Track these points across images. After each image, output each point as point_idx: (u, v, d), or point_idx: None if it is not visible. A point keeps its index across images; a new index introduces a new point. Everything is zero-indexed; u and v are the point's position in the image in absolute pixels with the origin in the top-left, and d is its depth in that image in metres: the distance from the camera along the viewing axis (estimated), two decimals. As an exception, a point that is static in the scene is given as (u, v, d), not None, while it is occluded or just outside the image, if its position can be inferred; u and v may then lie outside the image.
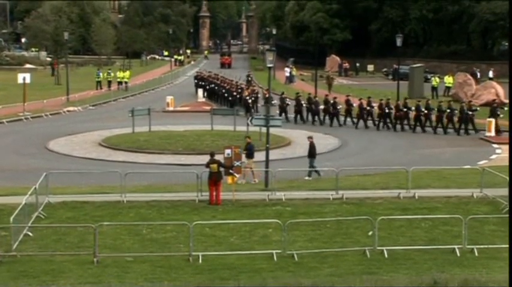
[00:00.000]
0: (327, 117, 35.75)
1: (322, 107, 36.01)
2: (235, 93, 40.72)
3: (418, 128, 33.64)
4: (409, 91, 45.52)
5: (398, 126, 34.00)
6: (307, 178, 22.23)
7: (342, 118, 35.60)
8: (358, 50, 72.73)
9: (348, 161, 25.70)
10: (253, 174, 22.08)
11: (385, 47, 68.68)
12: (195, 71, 74.80)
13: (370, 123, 34.96)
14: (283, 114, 36.27)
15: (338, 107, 35.47)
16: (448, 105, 33.57)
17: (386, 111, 34.05)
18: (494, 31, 63.87)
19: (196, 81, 50.96)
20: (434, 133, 32.97)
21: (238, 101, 40.12)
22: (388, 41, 63.33)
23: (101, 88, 53.00)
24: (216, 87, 45.18)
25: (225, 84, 43.89)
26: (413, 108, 33.59)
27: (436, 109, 33.37)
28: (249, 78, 52.69)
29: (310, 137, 23.13)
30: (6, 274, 13.95)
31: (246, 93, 38.99)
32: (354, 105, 35.54)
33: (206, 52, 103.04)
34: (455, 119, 32.98)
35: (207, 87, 47.51)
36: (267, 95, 37.28)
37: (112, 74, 54.81)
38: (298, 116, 36.35)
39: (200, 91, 47.77)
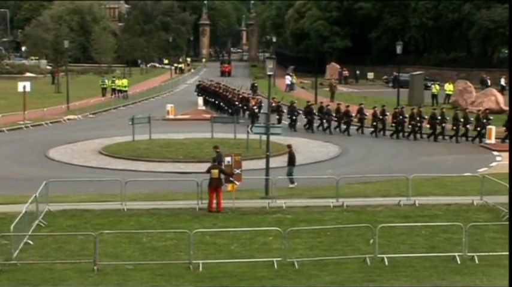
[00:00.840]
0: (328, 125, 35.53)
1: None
2: (237, 103, 40.19)
3: (418, 135, 33.60)
4: (409, 99, 45.59)
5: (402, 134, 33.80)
6: (291, 185, 22.09)
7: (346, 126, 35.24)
8: (358, 57, 72.86)
9: (349, 169, 25.71)
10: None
11: (385, 55, 68.82)
12: (195, 79, 75.02)
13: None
14: (293, 123, 36.09)
15: (351, 116, 35.09)
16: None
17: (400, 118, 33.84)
18: (494, 38, 64.00)
19: (198, 90, 50.18)
20: (435, 141, 33.00)
21: (242, 111, 39.58)
22: (388, 48, 63.49)
23: (104, 95, 53.16)
24: (218, 97, 44.47)
25: (228, 94, 43.28)
26: (426, 117, 33.44)
27: (440, 117, 33.43)
28: (254, 87, 51.94)
29: (289, 146, 23.05)
30: (7, 283, 13.94)
31: (253, 103, 38.47)
32: (367, 114, 35.12)
33: (204, 60, 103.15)
34: (471, 127, 32.59)
35: (209, 96, 46.82)
36: (273, 104, 37.38)
37: (116, 82, 55.14)
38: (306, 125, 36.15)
39: (200, 99, 47.71)
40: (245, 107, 39.38)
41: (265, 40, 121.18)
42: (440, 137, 33.08)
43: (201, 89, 49.13)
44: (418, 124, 33.40)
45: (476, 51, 69.18)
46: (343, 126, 35.31)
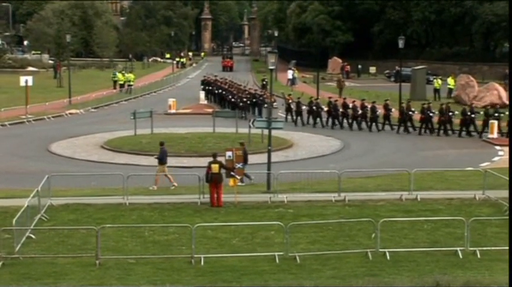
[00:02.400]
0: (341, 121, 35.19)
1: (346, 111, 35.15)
2: (245, 99, 38.80)
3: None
4: (411, 93, 45.48)
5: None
6: (240, 183, 21.58)
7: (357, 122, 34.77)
8: (360, 52, 72.68)
9: (350, 163, 25.69)
10: (156, 180, 21.40)
11: (387, 49, 68.63)
12: (197, 73, 74.94)
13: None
14: (318, 119, 35.71)
15: (377, 111, 34.38)
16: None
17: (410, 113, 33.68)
18: (497, 32, 63.79)
19: (203, 86, 49.03)
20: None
21: (251, 108, 38.30)
22: (390, 42, 63.25)
23: (115, 88, 53.23)
24: (224, 93, 42.86)
25: (233, 89, 42.02)
26: (436, 112, 33.33)
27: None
28: (264, 83, 50.58)
29: (242, 143, 22.99)
30: (9, 276, 13.97)
31: (272, 100, 37.88)
32: (393, 110, 34.51)
33: (203, 54, 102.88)
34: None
35: (215, 92, 45.63)
36: (290, 101, 37.05)
37: (126, 75, 55.28)
38: (317, 120, 35.77)
39: (202, 93, 47.53)
40: (253, 103, 38.15)
41: (267, 34, 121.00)
42: (449, 131, 32.87)
43: (206, 84, 48.14)
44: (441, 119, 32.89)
45: (479, 45, 68.99)
46: (349, 122, 34.84)
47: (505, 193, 18.58)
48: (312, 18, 73.13)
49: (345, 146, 30.40)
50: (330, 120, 35.48)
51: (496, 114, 32.50)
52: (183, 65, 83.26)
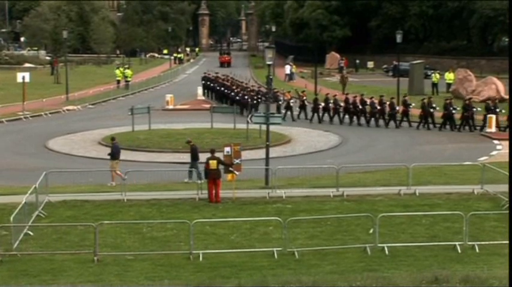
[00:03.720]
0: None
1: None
2: (246, 97, 37.73)
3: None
4: (409, 88, 45.45)
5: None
6: (186, 180, 21.55)
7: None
8: (358, 46, 72.62)
9: (349, 158, 25.67)
10: (112, 176, 21.29)
11: (385, 44, 68.60)
12: (194, 69, 74.82)
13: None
14: (336, 115, 35.32)
15: (395, 108, 34.03)
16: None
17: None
18: (494, 27, 63.77)
19: (203, 83, 47.40)
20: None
21: (254, 106, 36.93)
22: (388, 37, 63.26)
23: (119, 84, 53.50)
24: (226, 90, 41.60)
25: (235, 87, 40.61)
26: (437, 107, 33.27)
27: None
28: (269, 81, 50.32)
29: (189, 141, 22.97)
30: (7, 273, 13.94)
31: (289, 97, 36.86)
32: (413, 104, 34.10)
33: (197, 50, 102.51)
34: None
35: (216, 89, 44.43)
36: (304, 98, 36.59)
37: (127, 70, 55.44)
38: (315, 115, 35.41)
39: (200, 89, 47.35)
40: (256, 102, 37.24)
41: (265, 30, 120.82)
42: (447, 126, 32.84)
43: (207, 81, 46.90)
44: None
45: (477, 39, 68.92)
46: (359, 119, 34.41)
47: (503, 187, 18.58)
48: (310, 13, 73.01)
49: (343, 141, 30.38)
50: (337, 116, 35.06)
51: (498, 110, 32.41)
52: (181, 61, 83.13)
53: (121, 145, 25.43)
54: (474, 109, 32.64)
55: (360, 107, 34.64)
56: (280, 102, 37.30)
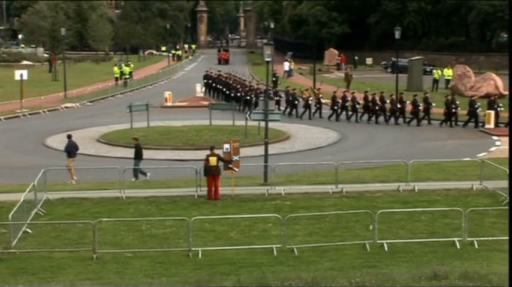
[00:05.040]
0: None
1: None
2: (251, 95, 36.88)
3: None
4: (408, 84, 45.43)
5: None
6: (133, 179, 21.53)
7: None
8: (356, 43, 72.52)
9: (348, 155, 25.65)
10: (72, 174, 21.32)
11: (383, 40, 68.54)
12: (192, 66, 74.71)
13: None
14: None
15: (404, 102, 33.54)
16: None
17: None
18: (493, 23, 63.69)
19: (205, 81, 46.40)
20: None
21: (255, 104, 36.15)
22: (387, 33, 63.17)
23: (122, 79, 53.65)
24: (229, 89, 40.42)
25: (239, 86, 39.45)
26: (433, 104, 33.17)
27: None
28: (274, 79, 47.68)
29: (135, 139, 22.91)
30: (6, 271, 13.92)
31: (307, 95, 36.19)
32: (433, 104, 33.49)
33: (194, 47, 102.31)
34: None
35: (218, 88, 43.19)
36: (320, 96, 35.98)
37: (132, 65, 55.93)
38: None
39: (198, 86, 47.21)
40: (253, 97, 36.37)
41: (263, 26, 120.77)
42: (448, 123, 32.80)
43: (209, 80, 46.02)
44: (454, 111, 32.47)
45: (475, 35, 68.86)
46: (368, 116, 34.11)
47: (503, 183, 18.59)
48: (308, 10, 72.92)
49: (343, 137, 30.36)
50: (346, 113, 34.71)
51: (500, 107, 32.35)
52: (179, 58, 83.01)
53: (119, 142, 25.44)
54: (477, 106, 32.57)
55: (380, 104, 33.83)
56: (277, 99, 36.87)
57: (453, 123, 32.68)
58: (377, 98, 34.26)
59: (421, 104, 33.28)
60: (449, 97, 33.44)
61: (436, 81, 46.63)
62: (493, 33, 68.23)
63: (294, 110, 35.94)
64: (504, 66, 51.54)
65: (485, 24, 65.95)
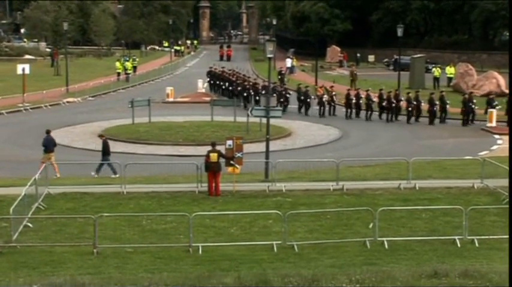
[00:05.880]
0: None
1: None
2: (256, 93, 36.70)
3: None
4: (410, 82, 45.40)
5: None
6: (93, 173, 21.48)
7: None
8: (359, 40, 72.43)
9: (349, 152, 25.64)
10: (55, 168, 21.27)
11: (386, 38, 68.41)
12: (194, 62, 74.62)
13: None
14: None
15: (420, 101, 33.48)
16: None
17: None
18: (496, 21, 63.58)
19: (209, 78, 45.94)
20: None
21: (254, 100, 36.49)
22: (389, 31, 63.04)
23: (133, 73, 53.89)
24: (233, 86, 39.85)
25: (245, 83, 38.80)
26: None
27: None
28: (282, 75, 47.21)
29: (102, 135, 22.86)
30: (6, 265, 13.93)
31: (321, 93, 35.90)
32: (448, 102, 33.21)
33: (196, 42, 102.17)
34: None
35: (222, 85, 42.71)
36: (333, 93, 35.80)
37: (137, 60, 56.17)
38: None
39: (200, 82, 47.13)
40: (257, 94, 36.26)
41: (266, 23, 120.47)
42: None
43: (212, 77, 45.73)
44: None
45: (478, 33, 68.80)
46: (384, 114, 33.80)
47: (503, 182, 18.56)
48: (311, 7, 72.82)
49: (344, 135, 30.34)
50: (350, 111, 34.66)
51: (495, 104, 32.36)
52: (180, 53, 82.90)
53: (121, 137, 25.37)
54: (471, 104, 32.46)
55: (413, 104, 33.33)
56: (288, 96, 36.53)
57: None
58: (392, 95, 33.84)
59: (437, 103, 33.05)
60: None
61: (436, 79, 46.55)
62: (496, 32, 68.11)
63: (308, 107, 35.57)
64: (506, 65, 51.31)
65: (488, 22, 65.84)
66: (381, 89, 35.06)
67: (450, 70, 47.92)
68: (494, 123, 31.66)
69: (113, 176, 21.12)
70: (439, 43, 69.28)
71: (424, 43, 69.85)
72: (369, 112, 34.21)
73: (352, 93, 35.49)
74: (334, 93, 36.13)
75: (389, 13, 69.99)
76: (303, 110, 35.93)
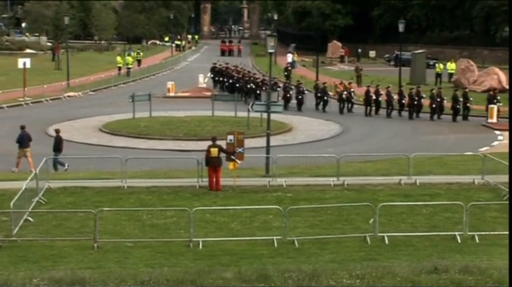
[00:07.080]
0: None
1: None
2: (261, 89, 35.41)
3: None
4: (411, 77, 45.34)
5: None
6: (53, 171, 21.39)
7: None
8: (360, 35, 72.34)
9: (350, 148, 25.63)
10: (17, 163, 21.31)
11: (387, 33, 68.30)
12: (195, 57, 74.52)
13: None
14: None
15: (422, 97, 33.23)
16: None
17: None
18: (497, 17, 63.45)
19: (212, 74, 45.50)
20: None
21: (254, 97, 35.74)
22: (390, 26, 62.92)
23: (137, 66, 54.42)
24: (239, 82, 39.09)
25: (249, 79, 38.24)
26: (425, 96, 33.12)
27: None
28: (288, 72, 46.49)
29: (57, 131, 22.82)
30: (7, 259, 13.95)
31: (341, 88, 35.67)
32: (445, 98, 33.04)
33: (197, 37, 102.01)
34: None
35: (226, 81, 41.98)
36: (352, 90, 35.42)
37: (142, 54, 56.76)
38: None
39: (201, 76, 47.05)
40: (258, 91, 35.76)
41: (267, 18, 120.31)
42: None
43: (216, 73, 45.06)
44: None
45: (479, 29, 68.63)
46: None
47: (504, 178, 18.55)
48: (312, 2, 72.78)
49: (344, 130, 30.33)
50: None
51: (497, 100, 32.31)
52: (181, 48, 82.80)
53: (121, 132, 25.39)
54: (461, 99, 32.33)
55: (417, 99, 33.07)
56: (304, 92, 36.00)
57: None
58: (413, 92, 33.37)
59: (460, 99, 32.82)
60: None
61: (438, 75, 46.50)
62: (497, 28, 67.89)
63: (325, 104, 35.28)
64: (507, 61, 51.29)
65: (489, 18, 65.70)
66: (401, 86, 34.76)
67: (451, 66, 47.86)
68: (495, 119, 31.63)
69: (64, 168, 21.12)
70: (440, 39, 69.17)
71: (425, 39, 69.72)
72: (390, 109, 33.78)
73: (372, 90, 34.91)
74: (352, 90, 35.79)
75: (391, 8, 69.88)
76: (320, 106, 35.66)
